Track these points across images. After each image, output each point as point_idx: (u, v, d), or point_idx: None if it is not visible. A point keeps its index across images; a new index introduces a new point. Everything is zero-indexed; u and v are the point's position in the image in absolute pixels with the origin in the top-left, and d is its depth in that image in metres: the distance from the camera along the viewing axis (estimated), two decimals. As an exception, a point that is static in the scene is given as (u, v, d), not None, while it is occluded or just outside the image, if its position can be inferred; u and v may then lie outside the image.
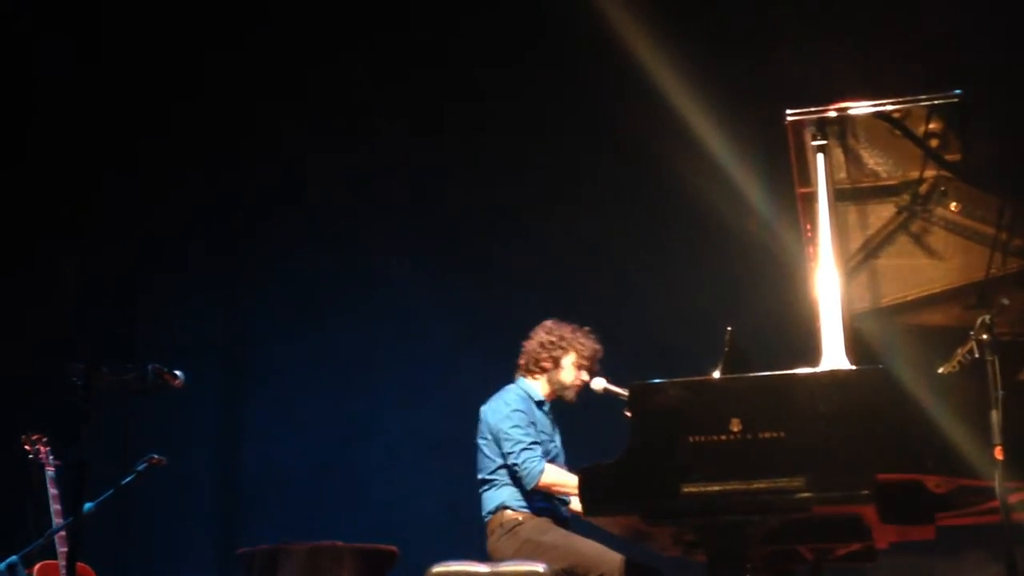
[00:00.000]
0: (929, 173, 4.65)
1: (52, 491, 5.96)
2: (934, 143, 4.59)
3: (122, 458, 6.11)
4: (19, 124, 7.77)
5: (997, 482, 3.82)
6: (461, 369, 7.23)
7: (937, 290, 4.74)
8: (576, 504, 5.13)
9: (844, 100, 4.53)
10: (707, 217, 6.96)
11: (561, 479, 5.28)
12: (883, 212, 4.78)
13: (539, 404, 5.50)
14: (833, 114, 4.51)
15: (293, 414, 7.72)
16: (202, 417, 7.75)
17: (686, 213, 7.08)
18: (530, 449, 5.30)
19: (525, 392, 5.50)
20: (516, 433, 5.32)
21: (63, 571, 5.76)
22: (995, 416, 3.84)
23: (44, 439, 6.07)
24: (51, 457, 6.05)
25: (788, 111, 4.53)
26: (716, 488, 4.05)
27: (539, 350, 5.52)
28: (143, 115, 7.83)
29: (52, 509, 5.92)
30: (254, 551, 5.57)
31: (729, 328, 4.50)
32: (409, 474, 7.42)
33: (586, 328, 5.58)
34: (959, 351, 4.19)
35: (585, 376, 5.50)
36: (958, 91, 4.46)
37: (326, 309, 7.84)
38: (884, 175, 4.73)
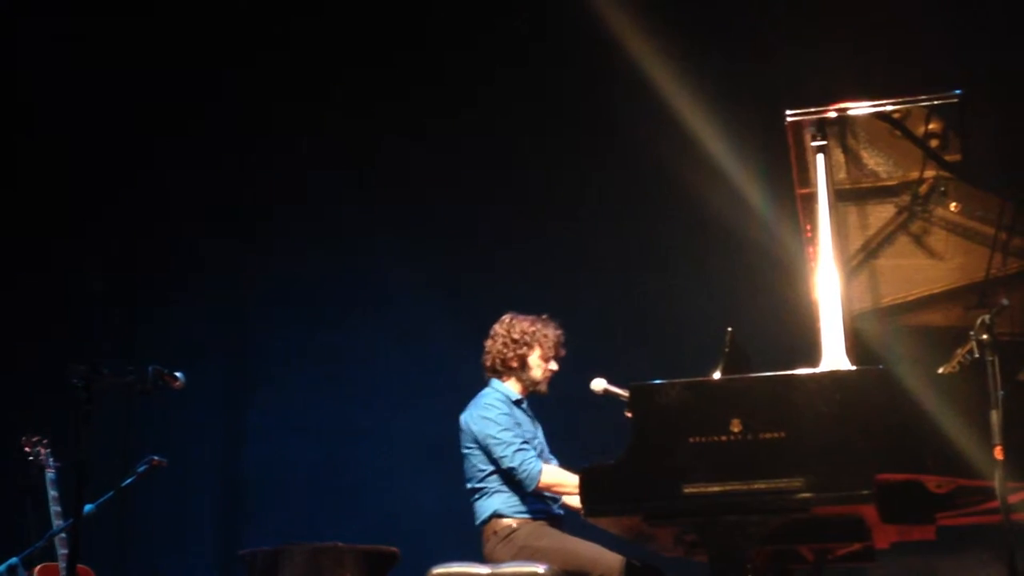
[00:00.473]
0: (929, 173, 4.65)
1: (52, 493, 5.96)
2: (934, 143, 4.59)
3: (123, 460, 6.12)
4: (20, 125, 7.78)
5: (997, 482, 3.83)
6: (462, 371, 7.18)
7: (937, 290, 4.75)
8: (572, 500, 5.13)
9: (844, 100, 4.52)
10: (707, 218, 6.97)
11: (560, 478, 5.25)
12: (883, 212, 4.77)
13: (517, 403, 5.45)
14: (833, 114, 4.50)
15: (294, 416, 7.72)
16: (203, 419, 7.75)
17: (686, 214, 7.08)
18: (523, 450, 5.25)
19: (503, 394, 5.42)
20: (506, 436, 5.26)
21: (63, 573, 5.77)
22: (995, 416, 3.85)
23: (44, 441, 6.07)
24: (51, 459, 6.06)
25: (788, 111, 4.52)
26: (717, 489, 4.05)
27: (503, 350, 5.44)
28: (144, 115, 7.83)
29: (52, 511, 5.92)
30: (255, 552, 5.57)
31: (729, 329, 4.50)
32: (410, 475, 7.42)
33: (544, 316, 5.51)
34: (959, 351, 4.18)
35: (554, 366, 5.47)
36: (958, 91, 4.46)
37: (327, 311, 7.84)
38: (884, 175, 4.72)
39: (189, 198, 7.97)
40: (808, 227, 4.69)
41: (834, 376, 4.14)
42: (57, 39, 7.70)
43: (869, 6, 6.96)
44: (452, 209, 7.71)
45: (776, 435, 4.03)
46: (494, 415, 5.31)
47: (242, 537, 7.41)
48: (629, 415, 4.27)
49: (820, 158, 4.49)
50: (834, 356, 4.23)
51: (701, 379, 4.29)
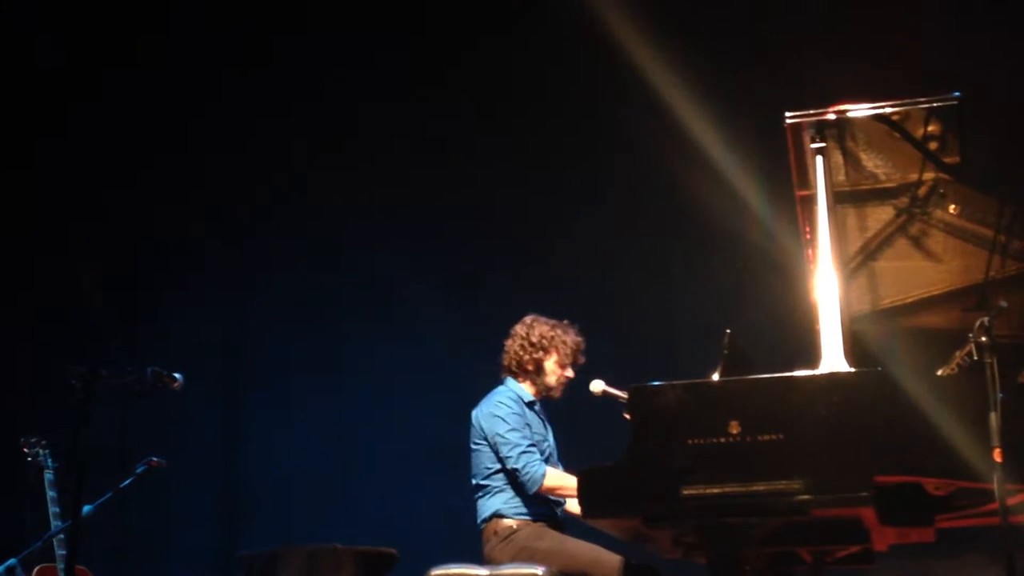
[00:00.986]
0: (928, 175, 4.65)
1: (51, 493, 5.96)
2: (933, 145, 4.59)
3: (121, 461, 6.12)
4: (19, 125, 7.78)
5: (996, 484, 3.82)
6: (461, 372, 7.22)
7: (936, 292, 4.74)
8: (573, 505, 5.13)
9: (843, 102, 4.52)
10: (707, 219, 6.97)
11: (563, 482, 5.25)
12: (882, 214, 4.77)
13: (530, 405, 5.47)
14: (832, 117, 4.50)
15: (292, 417, 7.72)
16: (201, 420, 7.75)
17: (685, 215, 7.09)
18: (529, 452, 5.27)
19: (516, 394, 5.45)
20: (513, 437, 5.28)
21: (62, 574, 5.76)
22: (994, 418, 3.84)
23: (43, 441, 6.07)
24: (50, 459, 6.06)
25: (787, 114, 4.53)
26: (715, 490, 4.04)
27: (520, 352, 5.46)
28: (144, 116, 7.83)
29: (51, 512, 5.92)
30: (253, 554, 5.57)
31: (728, 330, 4.50)
32: (409, 476, 7.42)
33: (565, 322, 5.53)
34: (958, 353, 4.18)
35: (570, 373, 5.48)
36: (957, 93, 4.47)
37: (326, 312, 7.84)
38: (883, 177, 4.72)
39: (189, 198, 7.97)
40: (807, 229, 4.69)
41: (833, 378, 4.13)
42: (57, 35, 7.72)
43: (868, 8, 6.96)
44: (451, 210, 7.71)
45: (775, 437, 4.02)
46: (504, 413, 5.33)
47: (240, 538, 7.41)
48: (628, 416, 4.27)
49: (819, 160, 4.49)
50: (833, 358, 4.23)
51: (700, 381, 4.28)
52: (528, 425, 5.37)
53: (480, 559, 5.23)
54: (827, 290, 4.36)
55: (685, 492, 4.06)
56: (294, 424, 7.69)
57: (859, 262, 4.82)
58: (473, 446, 5.41)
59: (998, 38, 6.73)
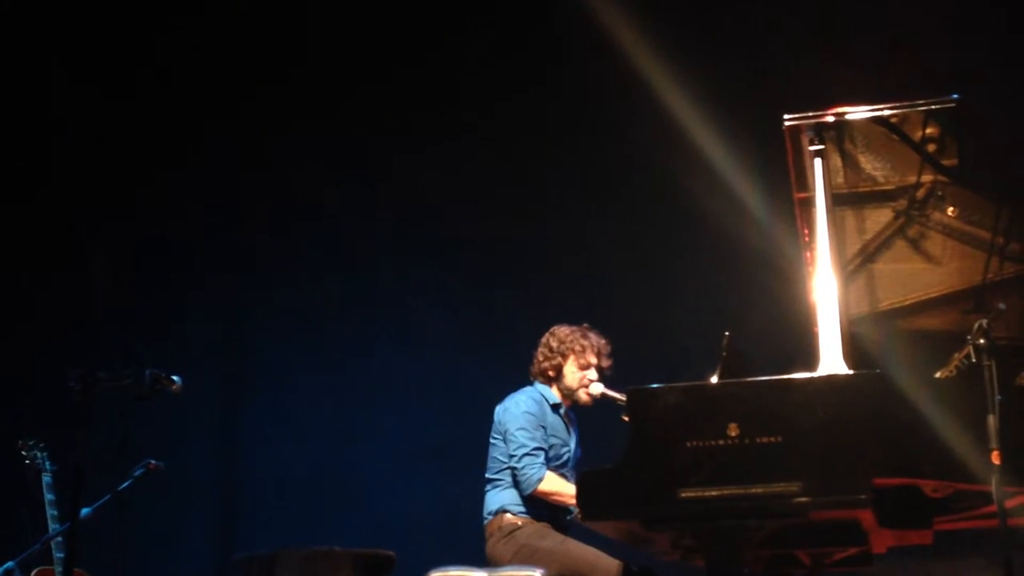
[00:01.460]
0: (926, 178, 4.65)
1: (49, 496, 5.96)
2: (931, 148, 4.60)
3: (119, 463, 6.11)
4: (20, 130, 7.78)
5: (994, 486, 3.83)
6: (460, 374, 7.23)
7: (934, 295, 4.75)
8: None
9: (841, 105, 4.53)
10: (705, 222, 6.96)
11: (559, 488, 5.29)
12: (880, 217, 4.78)
13: (555, 408, 5.50)
14: (830, 119, 4.51)
15: (291, 419, 7.71)
16: (200, 422, 7.74)
17: (684, 218, 7.08)
18: (532, 455, 5.30)
19: (540, 395, 5.51)
20: (521, 436, 5.34)
21: (60, 577, 5.76)
22: (992, 420, 3.85)
23: (41, 444, 6.07)
24: (48, 462, 6.05)
25: (786, 116, 4.53)
26: (714, 493, 4.04)
27: (542, 360, 5.54)
28: (147, 122, 7.83)
29: (49, 514, 5.92)
30: (251, 556, 5.55)
31: (727, 333, 4.50)
32: (407, 479, 7.41)
33: (585, 325, 5.57)
34: (956, 356, 4.19)
35: (593, 375, 5.48)
36: (955, 95, 4.47)
37: (324, 314, 7.83)
38: (881, 180, 4.73)
39: (189, 202, 7.97)
40: (806, 231, 4.70)
41: (831, 380, 4.14)
42: (64, 44, 7.72)
43: (867, 10, 6.96)
44: (450, 213, 7.70)
45: (773, 439, 4.03)
46: (519, 412, 5.40)
47: (238, 541, 7.40)
48: (626, 419, 4.27)
49: (818, 162, 4.49)
50: (831, 360, 4.23)
51: (698, 383, 4.28)
52: (544, 427, 5.41)
53: (478, 560, 5.24)
54: (826, 292, 4.36)
55: (684, 494, 4.06)
56: (292, 426, 7.68)
57: (857, 264, 4.82)
58: (491, 440, 5.48)
59: (997, 40, 6.73)
